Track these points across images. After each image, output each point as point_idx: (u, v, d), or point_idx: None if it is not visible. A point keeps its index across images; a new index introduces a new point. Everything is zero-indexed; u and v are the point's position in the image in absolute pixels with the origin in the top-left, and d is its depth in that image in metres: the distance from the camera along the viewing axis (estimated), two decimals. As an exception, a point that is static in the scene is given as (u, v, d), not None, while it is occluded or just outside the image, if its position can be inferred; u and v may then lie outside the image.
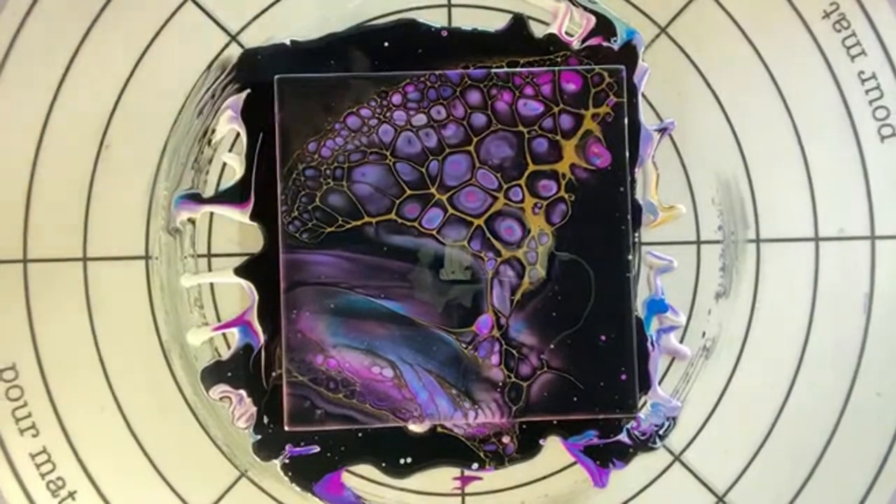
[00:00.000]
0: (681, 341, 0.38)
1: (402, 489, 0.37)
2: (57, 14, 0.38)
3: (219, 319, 0.38)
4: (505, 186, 0.37)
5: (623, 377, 0.37)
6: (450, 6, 0.38)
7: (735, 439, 0.38)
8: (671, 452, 0.38)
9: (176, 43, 0.38)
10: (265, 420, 0.37)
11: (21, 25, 0.38)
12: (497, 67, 0.38)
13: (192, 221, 0.38)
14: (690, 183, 0.38)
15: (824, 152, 0.38)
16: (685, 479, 0.38)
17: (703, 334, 0.38)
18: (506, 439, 0.37)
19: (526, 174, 0.37)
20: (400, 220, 0.37)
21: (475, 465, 0.37)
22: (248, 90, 0.38)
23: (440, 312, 0.37)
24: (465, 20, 0.38)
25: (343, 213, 0.37)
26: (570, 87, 0.37)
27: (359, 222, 0.37)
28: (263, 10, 0.38)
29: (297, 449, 0.37)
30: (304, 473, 0.37)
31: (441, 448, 0.37)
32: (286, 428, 0.36)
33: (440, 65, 0.37)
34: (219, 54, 0.38)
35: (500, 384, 0.37)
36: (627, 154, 0.37)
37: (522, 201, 0.37)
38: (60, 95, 0.38)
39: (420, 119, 0.37)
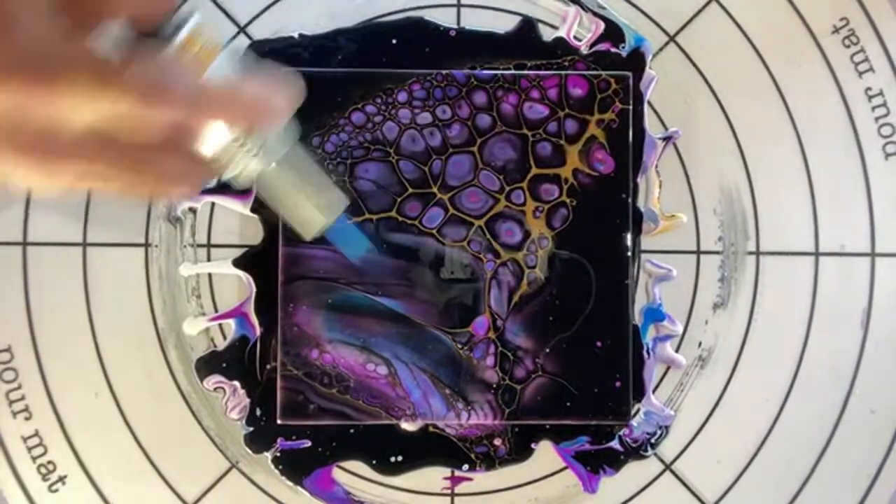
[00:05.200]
0: (677, 350, 0.38)
1: (392, 487, 0.37)
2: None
3: (216, 310, 0.38)
4: (507, 188, 0.37)
5: (617, 384, 0.37)
6: (459, 6, 0.38)
7: (727, 450, 0.38)
8: (662, 461, 0.38)
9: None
10: (258, 412, 0.37)
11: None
12: (504, 69, 0.37)
13: (192, 211, 0.38)
14: (693, 192, 0.38)
15: (828, 167, 0.38)
16: (676, 488, 0.38)
17: (700, 344, 0.38)
18: (497, 441, 0.37)
19: (528, 177, 0.37)
20: (401, 218, 0.37)
21: (466, 466, 0.37)
22: (255, 82, 0.38)
23: (439, 311, 0.37)
24: (474, 20, 0.38)
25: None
26: (577, 91, 0.37)
27: (360, 218, 0.37)
28: (273, 3, 0.38)
29: (289, 443, 0.37)
30: (294, 467, 0.37)
31: (432, 447, 0.37)
32: (279, 421, 0.36)
33: (447, 64, 0.37)
34: (227, 45, 0.38)
35: (494, 386, 0.37)
36: (631, 161, 0.37)
37: (524, 204, 0.37)
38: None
39: (425, 118, 0.37)
